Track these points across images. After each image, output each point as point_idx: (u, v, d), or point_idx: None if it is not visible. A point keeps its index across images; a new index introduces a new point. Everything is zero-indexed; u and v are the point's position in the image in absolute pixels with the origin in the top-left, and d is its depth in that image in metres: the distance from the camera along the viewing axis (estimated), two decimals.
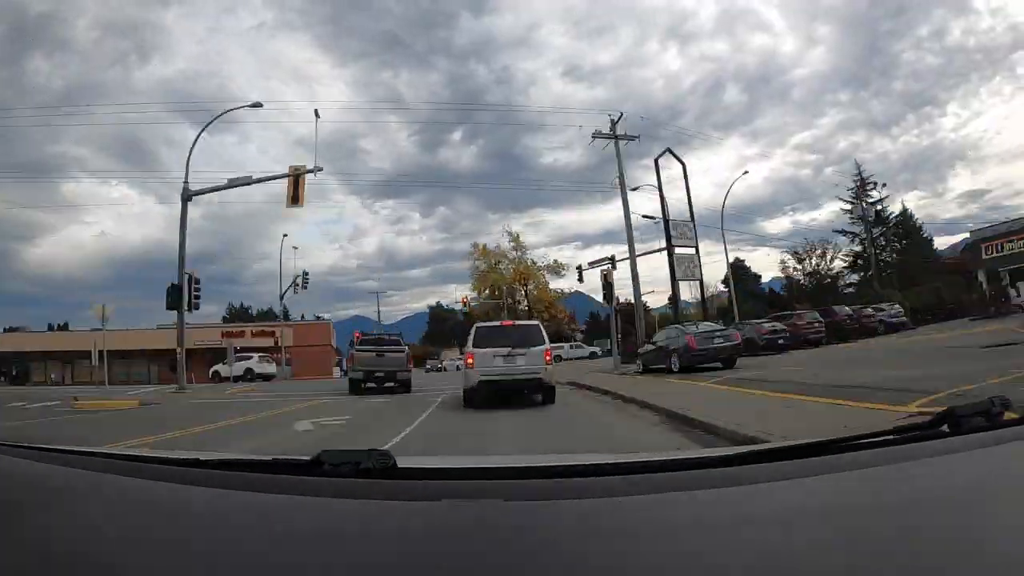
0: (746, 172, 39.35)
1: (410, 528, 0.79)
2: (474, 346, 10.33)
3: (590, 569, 0.65)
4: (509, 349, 10.08)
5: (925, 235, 45.39)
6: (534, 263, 55.29)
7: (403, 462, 0.97)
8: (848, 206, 44.66)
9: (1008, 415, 1.01)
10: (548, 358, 10.32)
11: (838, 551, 0.65)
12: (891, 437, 1.00)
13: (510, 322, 12.81)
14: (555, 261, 56.17)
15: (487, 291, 53.94)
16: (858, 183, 44.03)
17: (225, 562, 0.71)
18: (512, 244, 55.25)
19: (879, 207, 44.31)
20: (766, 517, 0.76)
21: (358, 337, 17.11)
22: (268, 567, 0.69)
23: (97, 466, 1.10)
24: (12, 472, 1.07)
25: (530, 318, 34.31)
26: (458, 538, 0.75)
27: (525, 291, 55.28)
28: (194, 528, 0.82)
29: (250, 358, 33.73)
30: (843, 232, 44.90)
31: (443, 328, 66.39)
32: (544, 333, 10.87)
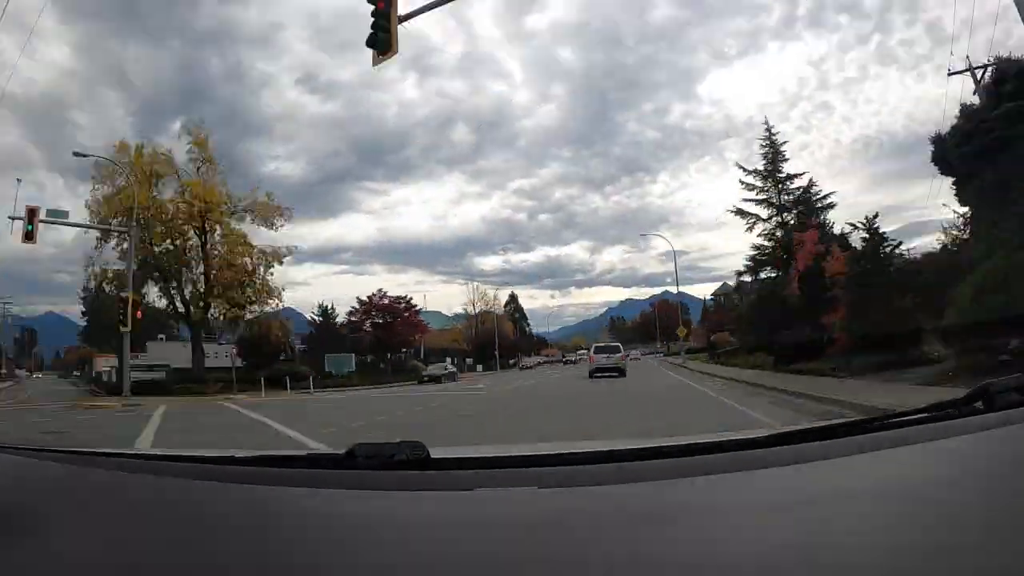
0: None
1: (444, 518, 0.80)
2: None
3: (623, 555, 0.64)
4: None
5: None
6: (229, 196, 30.99)
7: (436, 452, 0.97)
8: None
9: None
10: None
11: (873, 531, 0.64)
12: (924, 415, 0.99)
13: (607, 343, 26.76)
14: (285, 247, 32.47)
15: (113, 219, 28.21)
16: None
17: (260, 557, 0.71)
18: (193, 153, 30.36)
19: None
20: (805, 498, 0.76)
21: None
22: (304, 561, 0.69)
23: (129, 467, 1.12)
24: (39, 475, 1.08)
25: (207, 292, 28.50)
26: (492, 526, 0.76)
27: (203, 237, 30.64)
28: (230, 525, 0.83)
29: None
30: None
31: None
32: None
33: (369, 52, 9.97)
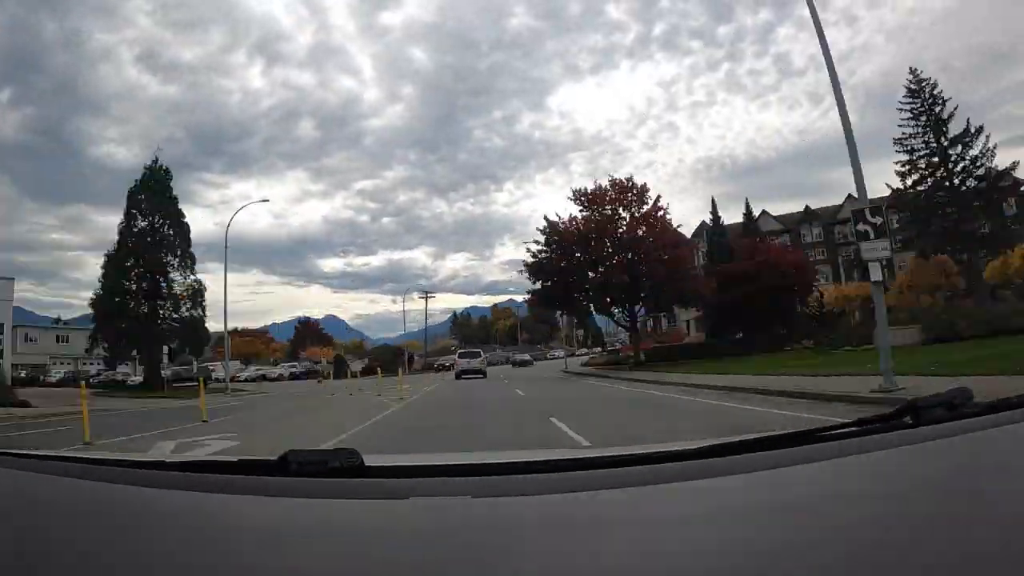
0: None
1: (377, 527, 0.79)
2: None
3: (557, 565, 0.64)
4: None
5: None
6: None
7: (370, 460, 0.97)
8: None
9: (969, 407, 1.03)
10: None
11: (802, 542, 0.65)
12: (854, 428, 1.01)
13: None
14: None
15: None
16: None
17: (190, 565, 0.70)
18: None
19: None
20: (734, 510, 0.77)
21: None
22: (235, 569, 0.68)
23: (54, 470, 1.09)
24: None
25: None
26: (425, 536, 0.75)
27: None
28: (158, 531, 0.81)
29: None
30: None
31: None
32: None
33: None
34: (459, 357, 31.53)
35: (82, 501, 0.94)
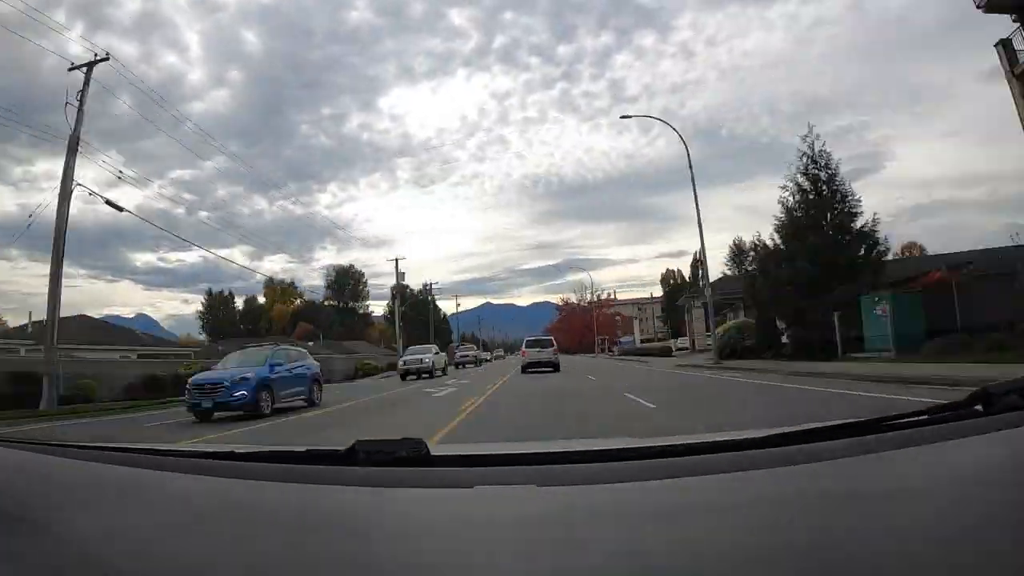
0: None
1: (444, 515, 0.80)
2: None
3: (623, 553, 0.65)
4: None
5: None
6: None
7: (436, 450, 0.98)
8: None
9: None
10: None
11: (873, 533, 0.64)
12: (924, 417, 0.98)
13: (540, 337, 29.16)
14: None
15: None
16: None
17: (260, 553, 0.71)
18: None
19: None
20: (800, 500, 0.76)
21: None
22: (304, 557, 0.69)
23: (131, 462, 1.12)
24: (39, 470, 1.09)
25: None
26: (492, 524, 0.76)
27: None
28: (231, 521, 0.83)
29: None
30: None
31: None
32: None
33: None
34: (526, 347, 27.22)
35: (149, 492, 0.97)
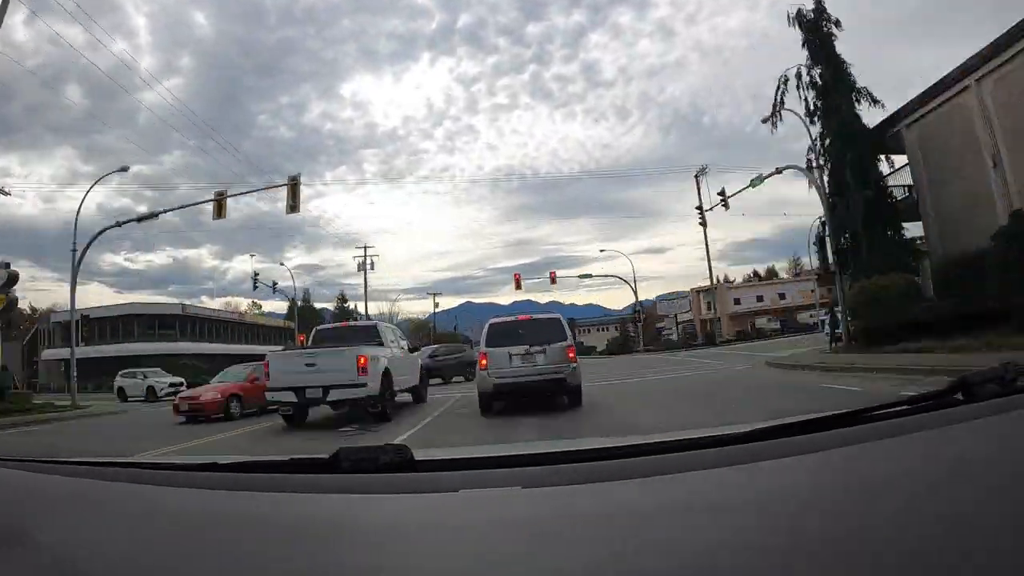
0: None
1: (430, 520, 0.80)
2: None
3: (609, 553, 0.65)
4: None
5: None
6: None
7: (420, 455, 0.98)
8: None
9: (1021, 381, 0.99)
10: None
11: (857, 524, 0.64)
12: (905, 407, 0.99)
13: (527, 316, 10.59)
14: None
15: None
16: None
17: (247, 564, 0.71)
18: None
19: None
20: (784, 494, 0.76)
21: None
22: (290, 566, 0.69)
23: (108, 476, 1.11)
24: (24, 486, 1.08)
25: None
26: (477, 527, 0.76)
27: None
28: (214, 532, 0.83)
29: None
30: None
31: None
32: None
33: None
34: (487, 343, 10.35)
35: (132, 505, 0.96)
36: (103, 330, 42.35)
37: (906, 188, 19.71)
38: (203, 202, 21.34)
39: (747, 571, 0.58)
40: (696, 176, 35.65)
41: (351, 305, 66.63)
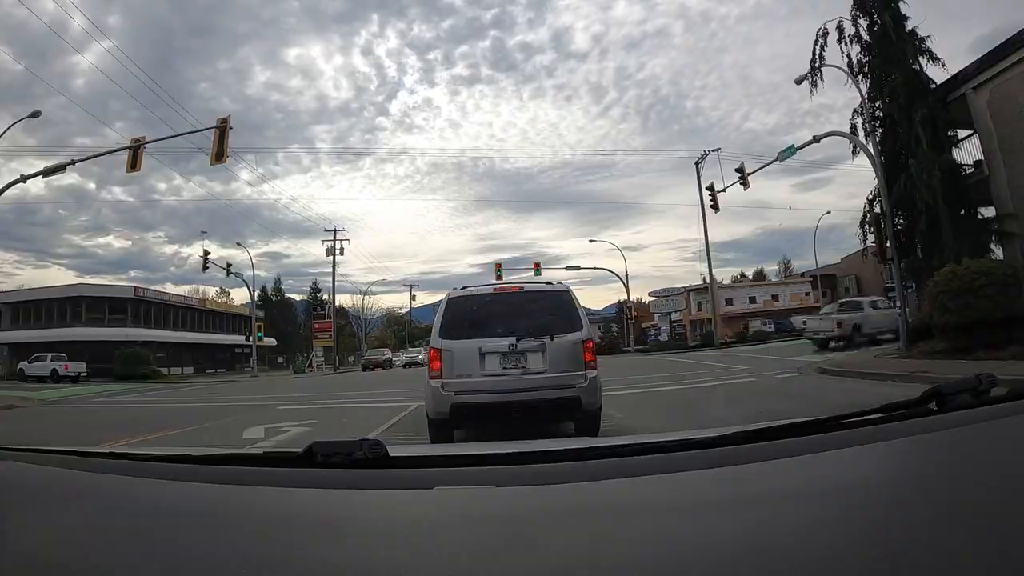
0: None
1: (404, 516, 0.81)
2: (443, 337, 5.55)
3: (581, 552, 0.66)
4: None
5: None
6: None
7: (395, 451, 0.99)
8: None
9: (995, 392, 1.03)
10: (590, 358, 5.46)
11: (825, 530, 0.66)
12: (878, 415, 1.01)
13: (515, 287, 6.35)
14: None
15: None
16: None
17: (220, 557, 0.71)
18: None
19: None
20: (754, 497, 0.78)
21: None
22: (263, 560, 0.69)
23: (83, 465, 1.12)
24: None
25: None
26: (450, 525, 0.77)
27: None
28: (187, 524, 0.83)
29: None
30: None
31: None
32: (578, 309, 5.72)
33: None
34: (442, 340, 5.66)
35: (107, 496, 0.96)
36: (49, 313, 39.58)
37: (972, 165, 16.04)
38: (119, 150, 18.46)
39: (717, 572, 0.60)
40: (697, 163, 32.55)
41: (324, 296, 61.90)
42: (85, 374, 30.13)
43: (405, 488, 0.88)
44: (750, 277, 72.25)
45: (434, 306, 11.05)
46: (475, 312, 5.62)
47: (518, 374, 5.26)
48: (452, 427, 5.37)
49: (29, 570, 0.70)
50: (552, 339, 5.33)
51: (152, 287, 46.82)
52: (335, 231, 44.24)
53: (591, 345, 5.49)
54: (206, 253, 33.27)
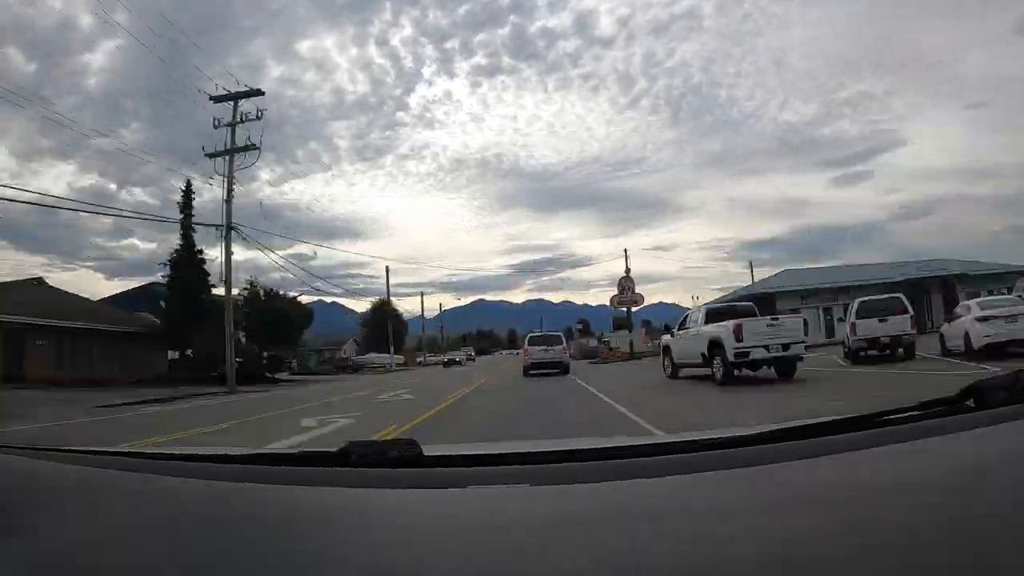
0: None
1: (438, 515, 0.81)
2: None
3: (616, 553, 0.65)
4: None
5: None
6: None
7: (429, 450, 1.00)
8: None
9: None
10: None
11: (863, 529, 0.65)
12: (916, 413, 1.01)
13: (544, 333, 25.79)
14: None
15: None
16: None
17: (256, 556, 0.71)
18: None
19: None
20: (794, 498, 0.77)
21: None
22: (298, 560, 0.69)
23: (123, 465, 1.12)
24: (26, 473, 1.07)
25: None
26: (486, 524, 0.77)
27: None
28: (223, 523, 0.84)
29: None
30: None
31: None
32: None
33: None
34: (529, 344, 23.30)
35: (144, 496, 0.97)
36: None
37: None
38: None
39: (754, 574, 0.59)
40: None
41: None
42: None
43: (438, 487, 0.88)
44: None
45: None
46: (535, 338, 23.77)
47: (545, 354, 22.47)
48: (529, 369, 21.93)
49: (58, 569, 0.70)
50: (554, 345, 23.02)
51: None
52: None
53: (566, 348, 23.70)
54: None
